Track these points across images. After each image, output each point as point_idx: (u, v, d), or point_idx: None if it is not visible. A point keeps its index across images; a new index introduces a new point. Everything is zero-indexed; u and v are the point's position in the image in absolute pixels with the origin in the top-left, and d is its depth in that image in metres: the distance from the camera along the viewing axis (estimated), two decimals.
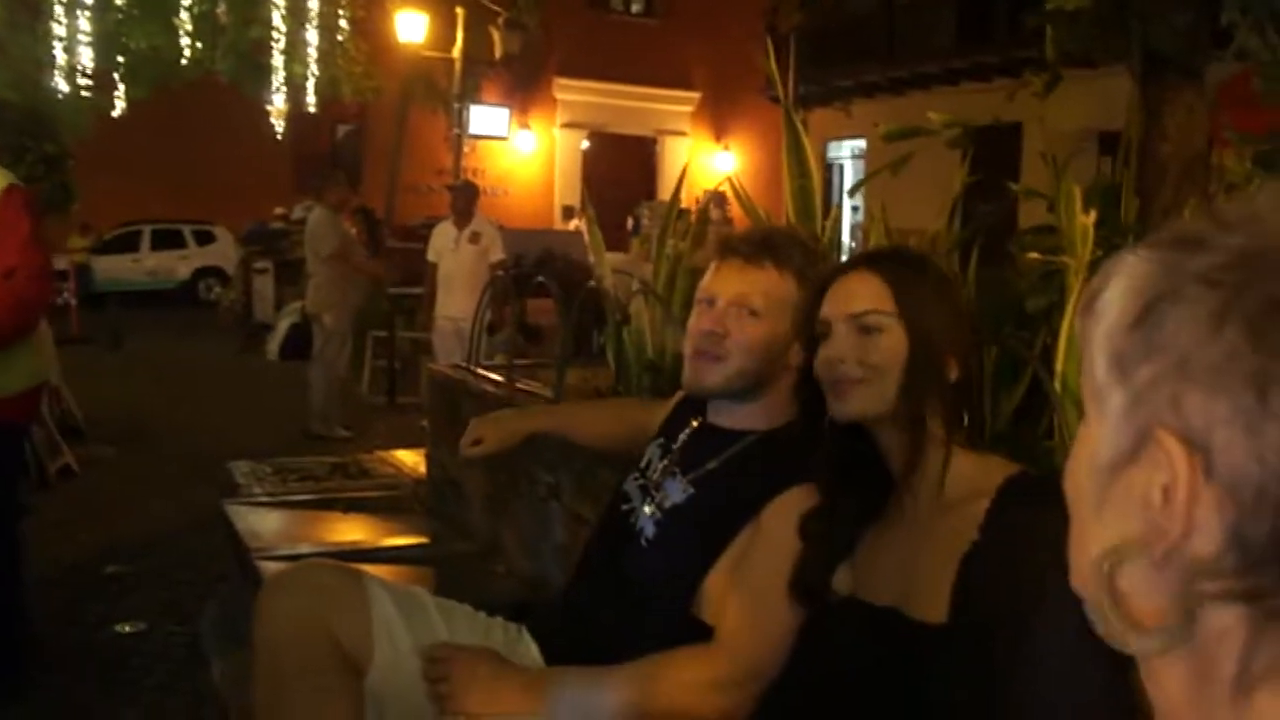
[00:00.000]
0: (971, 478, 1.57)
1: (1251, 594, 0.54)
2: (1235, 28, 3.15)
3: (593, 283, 3.60)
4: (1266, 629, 0.54)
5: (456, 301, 7.96)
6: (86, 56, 12.49)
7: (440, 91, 17.78)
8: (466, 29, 16.17)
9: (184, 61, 12.75)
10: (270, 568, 3.06)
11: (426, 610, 2.08)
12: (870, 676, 1.57)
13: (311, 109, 14.59)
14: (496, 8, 16.74)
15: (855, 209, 15.54)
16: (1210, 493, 0.54)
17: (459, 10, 16.20)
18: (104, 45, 12.70)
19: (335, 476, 5.28)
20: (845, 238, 13.80)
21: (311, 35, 13.35)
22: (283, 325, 12.62)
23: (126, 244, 20.05)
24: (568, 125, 23.99)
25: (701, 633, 1.88)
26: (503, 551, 3.51)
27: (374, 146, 21.08)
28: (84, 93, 12.67)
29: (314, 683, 1.91)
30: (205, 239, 20.48)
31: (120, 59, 13.14)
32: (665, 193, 20.81)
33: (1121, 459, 0.60)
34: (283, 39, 13.17)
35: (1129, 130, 3.05)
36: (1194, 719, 0.59)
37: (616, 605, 2.02)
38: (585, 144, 24.11)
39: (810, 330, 1.70)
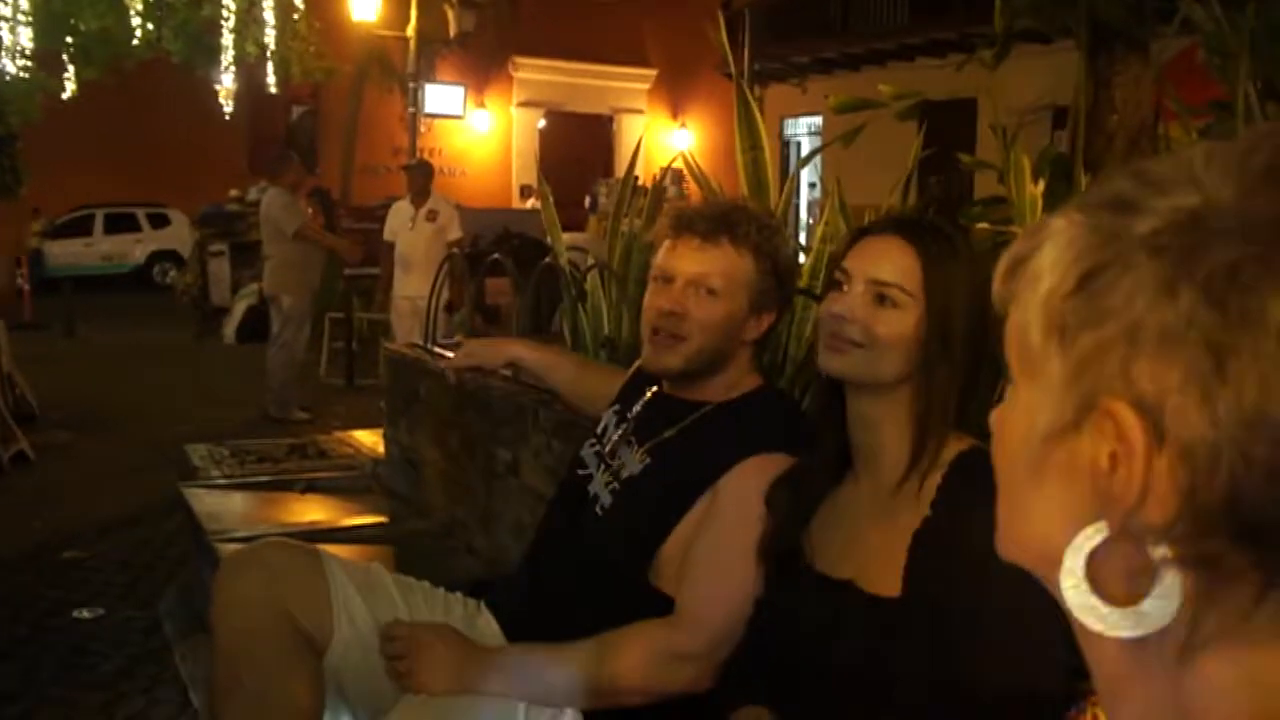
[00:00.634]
0: (930, 452, 1.57)
1: (1204, 559, 0.54)
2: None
3: (548, 260, 3.60)
4: (1214, 594, 0.55)
5: (414, 281, 7.91)
6: (26, 38, 12.28)
7: (395, 71, 17.63)
8: (420, 7, 16.00)
9: (134, 42, 12.57)
10: (229, 550, 3.05)
11: (385, 587, 2.08)
12: (828, 648, 1.58)
13: (272, 89, 14.45)
14: None
15: (814, 185, 15.60)
16: (1163, 459, 0.54)
17: None
18: (52, 26, 12.51)
19: (293, 458, 5.24)
20: (804, 214, 13.85)
21: (266, 15, 13.19)
22: (239, 308, 12.51)
23: (79, 228, 19.80)
24: (524, 104, 23.87)
25: (659, 602, 1.89)
26: (461, 529, 3.52)
27: (329, 127, 20.86)
28: (23, 74, 12.44)
29: (273, 662, 1.90)
30: (159, 222, 20.25)
31: (69, 40, 12.95)
32: (623, 170, 20.72)
33: (1064, 427, 0.59)
34: (233, 18, 13.00)
35: (1077, 101, 3.08)
36: (1135, 685, 0.59)
37: (574, 573, 2.02)
38: (542, 123, 23.99)
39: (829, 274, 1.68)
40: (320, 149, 20.91)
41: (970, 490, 1.47)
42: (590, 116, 24.28)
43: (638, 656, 1.83)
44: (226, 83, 13.95)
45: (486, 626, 2.11)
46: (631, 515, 1.98)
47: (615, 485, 2.02)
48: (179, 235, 19.14)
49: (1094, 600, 0.58)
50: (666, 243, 2.03)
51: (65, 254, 18.70)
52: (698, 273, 1.96)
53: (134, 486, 6.13)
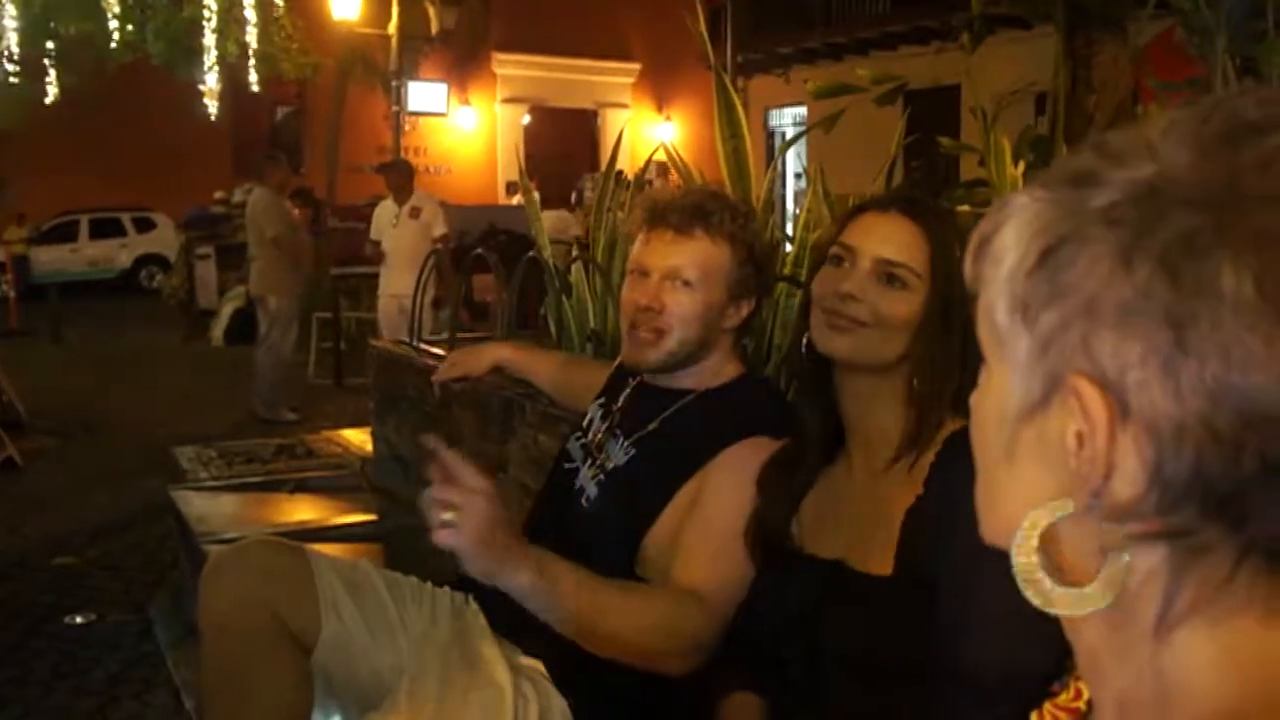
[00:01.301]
0: (929, 432, 1.56)
1: (1174, 532, 0.54)
2: None
3: (532, 253, 3.59)
4: (1187, 568, 0.54)
5: (400, 278, 7.90)
6: (14, 43, 12.23)
7: (378, 69, 17.59)
8: (401, 4, 15.96)
9: (113, 45, 12.52)
10: (218, 551, 3.04)
11: (372, 584, 2.07)
12: (819, 628, 1.57)
13: (255, 88, 14.40)
14: None
15: (799, 176, 15.60)
16: (1127, 435, 0.53)
17: None
18: (33, 30, 12.45)
19: (281, 458, 5.24)
20: (790, 204, 13.86)
21: (247, 13, 13.14)
22: (227, 310, 12.47)
23: (64, 234, 19.71)
24: (508, 100, 23.82)
25: None
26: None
27: (314, 127, 20.81)
28: (13, 78, 12.40)
29: (260, 660, 1.89)
30: (145, 226, 20.17)
31: (50, 45, 12.90)
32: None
33: (1033, 406, 0.59)
34: (214, 17, 12.96)
35: (1056, 82, 3.08)
36: (1114, 660, 0.59)
37: None
38: (526, 119, 23.95)
39: (824, 249, 1.65)
40: (305, 149, 20.85)
41: (962, 469, 1.46)
42: (575, 111, 24.25)
43: (653, 619, 1.75)
44: (210, 83, 13.89)
45: (475, 620, 2.10)
46: (617, 506, 1.97)
47: (601, 477, 2.02)
48: (165, 239, 19.06)
49: (1040, 575, 0.59)
50: (641, 236, 2.01)
51: (51, 260, 18.61)
52: (672, 265, 1.95)
53: (124, 491, 6.11)
